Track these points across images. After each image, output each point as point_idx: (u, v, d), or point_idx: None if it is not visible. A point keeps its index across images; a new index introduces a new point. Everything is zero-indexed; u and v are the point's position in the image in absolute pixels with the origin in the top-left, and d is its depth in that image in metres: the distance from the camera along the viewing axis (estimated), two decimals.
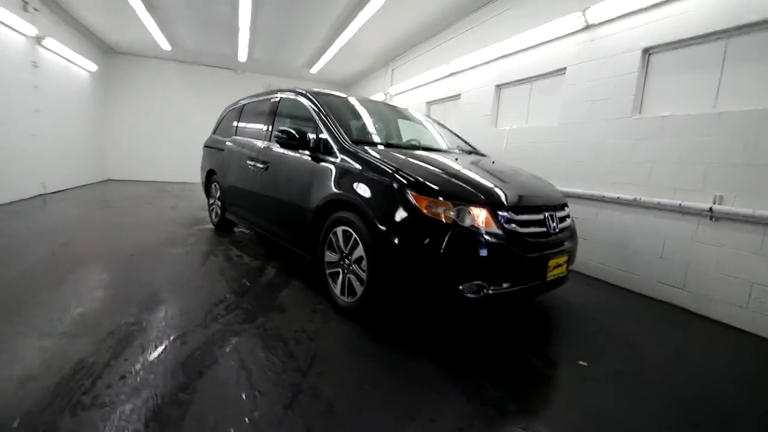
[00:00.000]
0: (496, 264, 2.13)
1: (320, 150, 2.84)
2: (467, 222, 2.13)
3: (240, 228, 4.93)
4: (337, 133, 2.81)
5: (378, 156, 2.52)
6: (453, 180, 2.34)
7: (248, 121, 4.24)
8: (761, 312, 2.68)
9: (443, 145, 3.50)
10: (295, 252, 3.08)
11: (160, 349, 1.98)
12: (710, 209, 2.90)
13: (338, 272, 2.59)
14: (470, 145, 3.72)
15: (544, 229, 2.40)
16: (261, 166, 3.50)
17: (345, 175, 2.55)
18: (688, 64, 3.19)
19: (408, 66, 7.80)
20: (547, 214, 2.46)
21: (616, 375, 2.08)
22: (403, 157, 2.57)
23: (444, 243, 2.07)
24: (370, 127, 3.25)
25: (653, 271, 3.35)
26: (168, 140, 10.37)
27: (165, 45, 8.36)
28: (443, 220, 2.10)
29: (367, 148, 2.66)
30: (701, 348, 2.53)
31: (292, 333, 2.25)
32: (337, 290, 2.61)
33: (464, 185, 2.31)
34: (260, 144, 3.68)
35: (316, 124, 2.99)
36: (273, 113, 3.68)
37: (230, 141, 4.37)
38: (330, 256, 2.65)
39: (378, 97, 8.92)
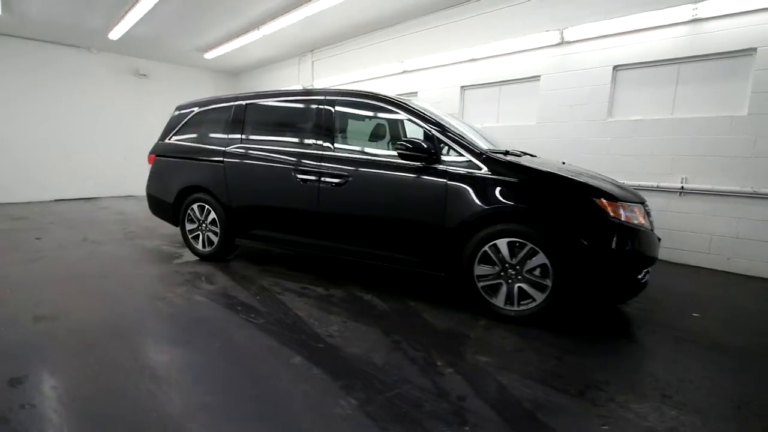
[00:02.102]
0: (653, 252, 2.61)
1: (444, 162, 2.76)
2: (637, 219, 2.52)
3: (232, 254, 4.11)
4: (469, 143, 2.77)
5: (535, 165, 2.66)
6: (611, 183, 2.71)
7: (272, 127, 3.57)
8: (719, 254, 3.99)
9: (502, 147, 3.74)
10: (369, 269, 2.90)
11: None
12: (682, 187, 4.09)
13: (499, 284, 2.64)
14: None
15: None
16: (333, 180, 3.07)
17: (501, 187, 2.59)
18: (651, 81, 4.29)
19: (341, 59, 7.52)
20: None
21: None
22: (553, 162, 2.75)
23: (629, 240, 2.43)
24: (470, 134, 3.17)
25: None
26: None
27: None
28: (624, 220, 2.44)
29: (507, 158, 2.73)
30: (695, 282, 3.63)
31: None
32: (499, 302, 2.65)
33: (623, 188, 2.71)
34: (316, 154, 3.19)
35: (431, 135, 2.84)
36: (326, 118, 3.22)
37: (239, 149, 3.58)
38: (484, 270, 2.66)
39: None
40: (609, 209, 2.42)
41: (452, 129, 2.87)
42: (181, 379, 1.94)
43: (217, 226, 3.77)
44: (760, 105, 3.64)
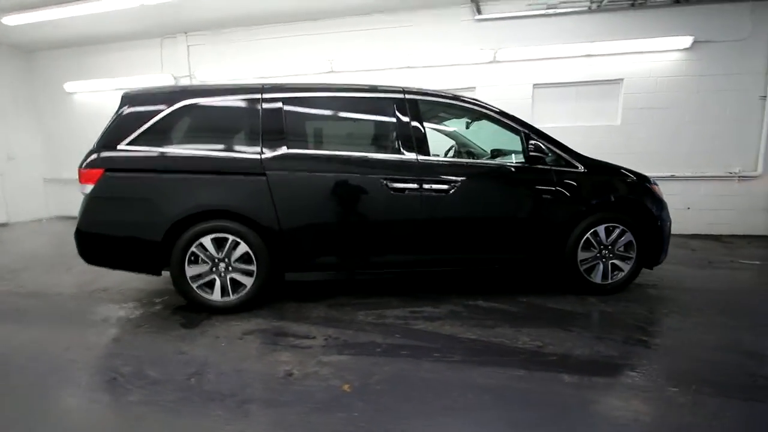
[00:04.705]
0: None
1: (547, 163, 3.02)
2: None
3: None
4: (566, 146, 3.08)
5: (601, 162, 3.20)
6: None
7: (332, 127, 2.93)
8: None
9: None
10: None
11: None
12: None
13: (596, 264, 3.10)
14: None
15: None
16: (439, 187, 2.84)
17: (599, 182, 3.06)
18: (559, 97, 5.62)
19: (237, 47, 6.32)
20: None
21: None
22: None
23: (668, 212, 3.29)
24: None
25: None
26: None
27: None
28: (661, 197, 3.29)
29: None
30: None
31: None
32: (596, 279, 3.12)
33: None
34: (404, 159, 2.85)
35: (531, 137, 3.01)
36: (414, 119, 2.91)
37: (289, 156, 2.77)
38: (585, 254, 3.07)
39: (165, 79, 6.50)
40: (656, 190, 3.24)
41: (548, 134, 3.13)
42: None
43: (252, 263, 2.76)
44: (628, 118, 5.41)
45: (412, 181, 2.83)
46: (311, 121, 2.96)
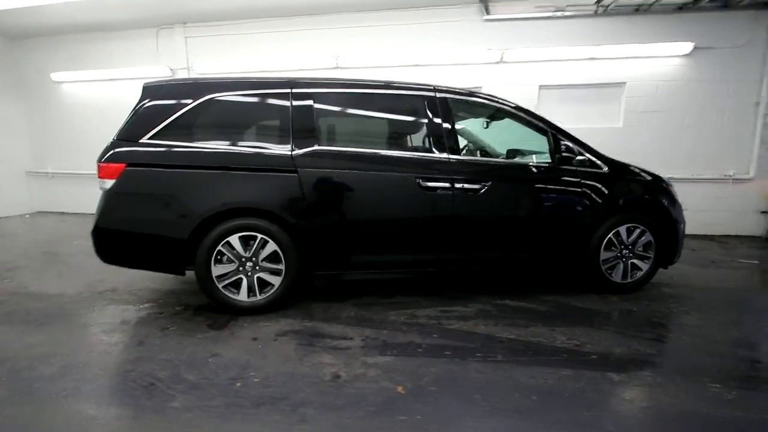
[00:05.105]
0: None
1: (574, 164, 3.06)
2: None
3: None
4: (589, 147, 3.12)
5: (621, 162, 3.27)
6: None
7: (362, 124, 2.91)
8: None
9: None
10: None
11: None
12: None
13: (617, 263, 3.16)
14: None
15: None
16: (470, 186, 2.83)
17: (623, 184, 3.14)
18: (564, 99, 5.70)
19: (238, 40, 6.15)
20: None
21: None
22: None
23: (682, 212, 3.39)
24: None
25: None
26: None
27: None
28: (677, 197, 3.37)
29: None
30: None
31: None
32: (617, 278, 3.18)
33: None
34: (437, 157, 2.84)
35: (560, 138, 3.05)
36: (445, 116, 2.90)
37: (320, 152, 2.71)
38: (607, 254, 3.12)
39: (161, 71, 6.27)
40: (672, 190, 3.32)
41: (574, 136, 3.16)
42: None
43: (280, 261, 2.69)
44: (630, 120, 5.54)
45: (445, 180, 2.81)
46: (341, 118, 2.91)
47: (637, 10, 5.19)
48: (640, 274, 3.22)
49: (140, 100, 2.70)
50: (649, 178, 3.26)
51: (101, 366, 2.13)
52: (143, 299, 3.06)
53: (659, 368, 2.15)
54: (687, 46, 5.15)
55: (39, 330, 2.56)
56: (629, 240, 3.13)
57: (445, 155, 2.86)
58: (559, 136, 3.08)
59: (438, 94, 2.93)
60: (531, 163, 3.09)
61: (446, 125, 2.90)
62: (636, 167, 3.31)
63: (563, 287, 3.34)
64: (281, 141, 2.73)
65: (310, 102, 2.76)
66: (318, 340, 2.40)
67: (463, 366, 2.12)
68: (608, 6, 5.15)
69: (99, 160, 2.61)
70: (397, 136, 3.07)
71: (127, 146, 2.59)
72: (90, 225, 2.66)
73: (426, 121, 2.90)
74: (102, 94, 6.78)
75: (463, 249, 2.95)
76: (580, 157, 3.09)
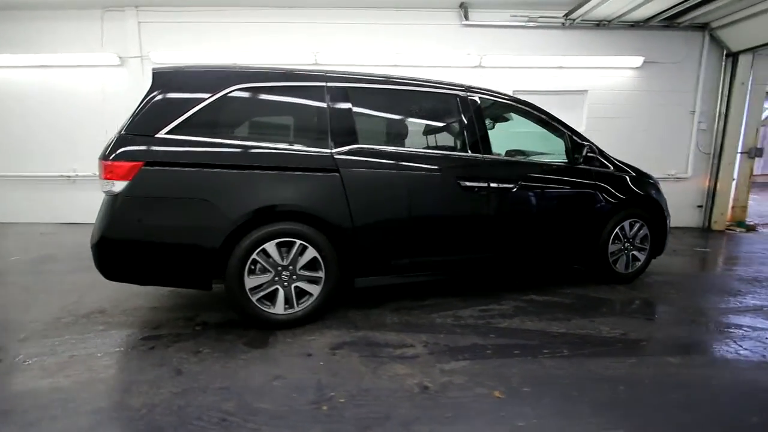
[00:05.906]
0: None
1: (588, 162, 3.26)
2: None
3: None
4: (599, 149, 3.33)
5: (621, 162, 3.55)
6: None
7: (398, 122, 2.76)
8: None
9: None
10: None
11: None
12: None
13: (621, 255, 3.42)
14: None
15: None
16: (505, 185, 2.89)
17: (628, 181, 3.40)
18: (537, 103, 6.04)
19: (204, 29, 5.59)
20: None
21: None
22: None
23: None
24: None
25: None
26: None
27: None
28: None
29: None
30: None
31: None
32: (621, 269, 3.45)
33: None
34: (475, 157, 2.85)
35: (574, 139, 3.22)
36: (477, 116, 2.91)
37: (361, 151, 2.56)
38: (614, 247, 3.37)
39: (108, 58, 5.50)
40: (659, 186, 3.69)
41: (588, 138, 3.35)
42: None
43: (320, 269, 2.48)
44: (591, 125, 6.06)
45: (482, 179, 2.82)
46: (379, 115, 2.77)
47: (599, 25, 5.72)
48: (638, 264, 3.52)
49: (151, 89, 2.31)
50: (646, 175, 3.59)
51: (147, 404, 1.75)
52: (146, 320, 2.62)
53: (698, 348, 2.38)
54: (638, 60, 5.79)
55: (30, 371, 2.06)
56: (631, 233, 3.42)
57: (479, 154, 2.88)
58: (575, 138, 3.26)
59: (470, 94, 2.95)
60: (559, 163, 3.23)
61: (479, 124, 2.92)
62: (630, 165, 3.62)
63: (572, 280, 3.54)
64: (318, 138, 2.52)
65: (347, 97, 2.59)
66: (379, 350, 2.25)
67: (539, 363, 2.13)
68: (575, 20, 5.60)
69: (104, 158, 2.18)
70: (434, 134, 3.01)
71: (141, 142, 2.20)
72: (87, 236, 2.22)
73: (461, 120, 2.90)
74: (29, 81, 5.74)
75: (498, 248, 2.99)
76: (590, 154, 3.29)
